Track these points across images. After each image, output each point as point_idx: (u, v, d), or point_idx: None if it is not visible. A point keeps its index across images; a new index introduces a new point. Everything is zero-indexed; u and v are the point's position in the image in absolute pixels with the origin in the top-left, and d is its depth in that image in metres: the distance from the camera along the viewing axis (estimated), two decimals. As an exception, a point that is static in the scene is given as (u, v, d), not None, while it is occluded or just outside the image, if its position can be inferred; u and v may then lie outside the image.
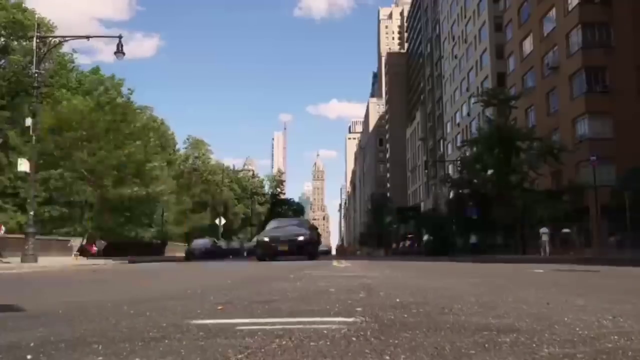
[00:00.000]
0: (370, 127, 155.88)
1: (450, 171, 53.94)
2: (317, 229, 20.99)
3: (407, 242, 54.79)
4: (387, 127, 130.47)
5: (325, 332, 1.93)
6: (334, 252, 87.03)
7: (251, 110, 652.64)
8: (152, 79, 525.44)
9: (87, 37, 21.48)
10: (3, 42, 29.27)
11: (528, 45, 41.35)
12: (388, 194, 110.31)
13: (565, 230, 27.54)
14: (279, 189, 70.96)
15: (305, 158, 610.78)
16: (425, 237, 47.27)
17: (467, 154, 38.62)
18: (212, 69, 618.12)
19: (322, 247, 38.45)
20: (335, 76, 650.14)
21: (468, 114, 57.42)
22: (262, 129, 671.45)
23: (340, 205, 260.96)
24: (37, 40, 20.48)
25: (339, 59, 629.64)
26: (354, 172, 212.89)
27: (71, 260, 18.85)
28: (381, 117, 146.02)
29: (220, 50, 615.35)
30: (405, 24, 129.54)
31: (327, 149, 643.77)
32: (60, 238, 27.77)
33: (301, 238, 16.27)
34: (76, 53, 32.47)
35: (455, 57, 65.05)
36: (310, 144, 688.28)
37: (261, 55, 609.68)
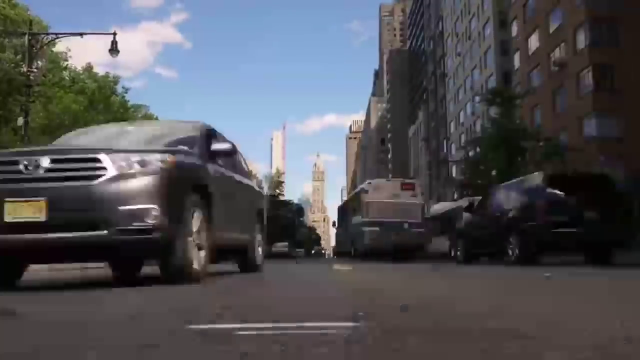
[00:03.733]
0: (372, 127, 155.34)
1: (454, 172, 53.10)
2: (230, 149, 5.50)
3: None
4: (388, 126, 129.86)
5: (326, 337, 1.88)
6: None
7: (260, 114, 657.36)
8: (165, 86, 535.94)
9: (81, 34, 21.01)
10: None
11: (534, 42, 40.47)
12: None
13: None
14: (277, 190, 69.90)
15: (305, 160, 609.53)
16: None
17: (470, 154, 37.81)
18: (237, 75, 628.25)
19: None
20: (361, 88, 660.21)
21: (472, 113, 56.61)
22: (264, 131, 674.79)
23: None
24: (30, 38, 19.90)
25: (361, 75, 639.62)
26: (354, 173, 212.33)
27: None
28: (383, 116, 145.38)
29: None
30: (408, 21, 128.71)
31: (328, 152, 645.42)
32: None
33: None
34: (69, 51, 31.73)
35: (459, 54, 64.19)
36: (311, 145, 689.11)
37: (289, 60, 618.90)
